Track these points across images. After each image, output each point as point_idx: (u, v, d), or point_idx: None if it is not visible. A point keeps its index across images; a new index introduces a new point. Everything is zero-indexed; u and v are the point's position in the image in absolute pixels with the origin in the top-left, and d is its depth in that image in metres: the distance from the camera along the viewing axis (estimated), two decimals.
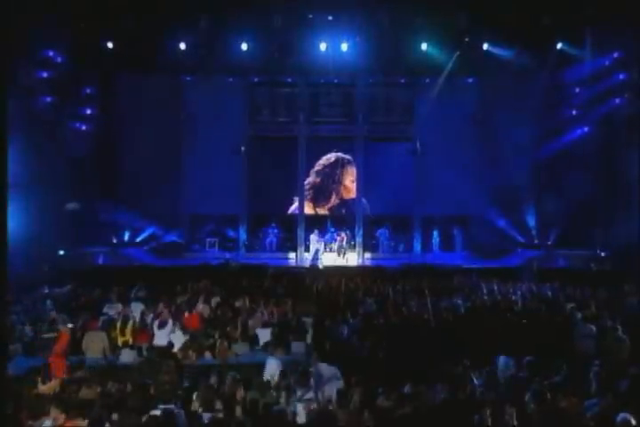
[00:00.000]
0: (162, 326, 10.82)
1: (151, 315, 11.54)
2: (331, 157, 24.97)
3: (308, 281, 16.39)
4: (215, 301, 13.28)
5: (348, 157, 24.90)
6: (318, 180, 24.98)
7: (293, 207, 24.70)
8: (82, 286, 15.05)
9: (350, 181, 24.95)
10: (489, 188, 22.92)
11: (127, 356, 10.07)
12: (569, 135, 21.31)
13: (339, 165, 25.03)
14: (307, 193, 24.78)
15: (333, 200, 25.17)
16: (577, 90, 21.32)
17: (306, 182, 24.68)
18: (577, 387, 7.49)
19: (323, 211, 25.15)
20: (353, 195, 24.79)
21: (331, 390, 7.89)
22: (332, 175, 25.05)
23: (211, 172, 23.19)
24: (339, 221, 24.39)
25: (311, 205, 24.97)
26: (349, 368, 8.70)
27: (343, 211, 25.07)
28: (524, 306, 12.62)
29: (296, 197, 24.46)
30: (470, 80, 24.13)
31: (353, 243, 23.20)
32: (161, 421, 6.59)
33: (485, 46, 20.93)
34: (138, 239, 22.83)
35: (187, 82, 23.97)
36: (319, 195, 25.11)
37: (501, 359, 8.67)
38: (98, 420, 6.35)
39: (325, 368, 8.34)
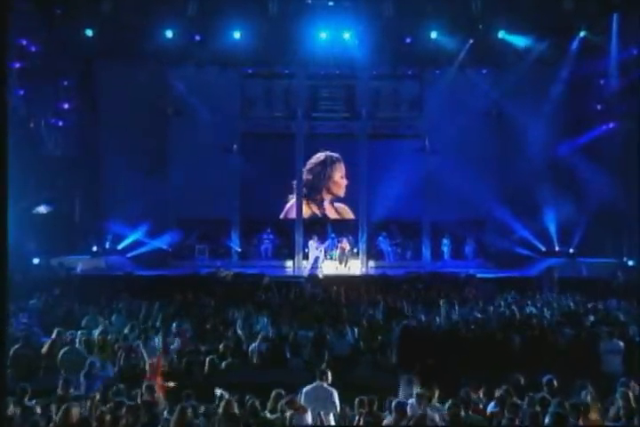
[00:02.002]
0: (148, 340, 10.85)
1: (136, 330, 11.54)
2: (320, 155, 25.08)
3: (306, 291, 16.43)
4: (205, 313, 13.28)
5: (336, 154, 25.07)
6: (310, 177, 25.07)
7: (288, 206, 24.73)
8: (59, 298, 15.05)
9: (340, 177, 25.13)
10: (504, 189, 22.98)
11: (108, 373, 10.05)
12: (592, 132, 21.38)
13: (328, 162, 25.16)
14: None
15: (324, 196, 25.22)
16: (601, 82, 21.37)
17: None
18: (601, 408, 7.49)
19: (316, 209, 25.19)
20: (343, 191, 24.96)
21: (327, 414, 7.85)
22: (322, 172, 25.17)
23: (200, 172, 23.13)
24: (340, 227, 24.38)
25: (305, 201, 24.96)
26: (351, 387, 8.68)
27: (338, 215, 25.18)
28: (544, 319, 12.63)
29: (292, 196, 24.55)
30: (484, 71, 24.11)
31: (356, 250, 23.20)
32: None
33: (501, 34, 20.84)
34: (120, 246, 22.73)
35: (174, 73, 23.88)
36: (311, 192, 25.21)
37: None
38: None
39: (320, 389, 8.29)
